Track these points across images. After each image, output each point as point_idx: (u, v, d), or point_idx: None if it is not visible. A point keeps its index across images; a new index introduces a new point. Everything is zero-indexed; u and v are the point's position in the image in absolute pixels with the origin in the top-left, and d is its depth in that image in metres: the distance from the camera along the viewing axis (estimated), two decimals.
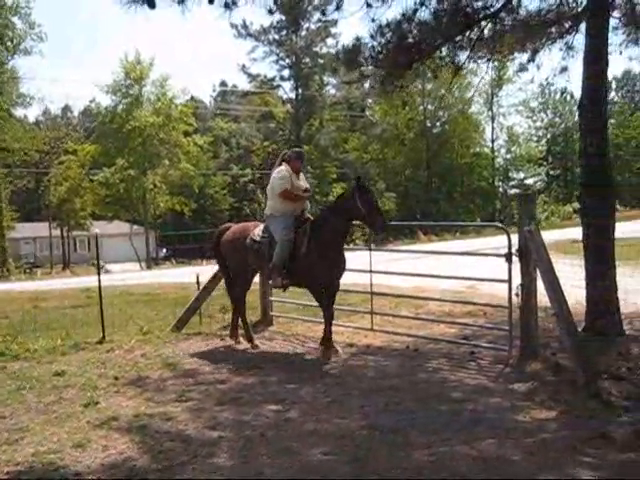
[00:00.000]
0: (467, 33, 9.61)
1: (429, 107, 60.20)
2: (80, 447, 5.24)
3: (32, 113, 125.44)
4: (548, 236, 20.78)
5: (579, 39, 10.08)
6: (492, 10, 9.31)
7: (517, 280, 7.46)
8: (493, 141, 64.85)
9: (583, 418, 5.52)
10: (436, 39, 9.50)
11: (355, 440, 5.22)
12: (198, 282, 11.00)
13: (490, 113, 64.06)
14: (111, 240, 57.76)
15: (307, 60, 56.62)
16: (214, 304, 11.54)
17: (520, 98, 69.26)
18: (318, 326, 9.03)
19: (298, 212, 8.50)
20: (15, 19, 42.24)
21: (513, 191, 63.22)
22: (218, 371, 7.69)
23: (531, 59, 11.44)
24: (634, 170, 68.85)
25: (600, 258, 8.26)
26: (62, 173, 52.13)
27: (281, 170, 8.50)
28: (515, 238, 7.55)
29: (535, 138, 72.50)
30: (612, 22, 10.19)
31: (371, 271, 9.22)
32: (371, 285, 9.40)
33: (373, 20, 9.46)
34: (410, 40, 9.45)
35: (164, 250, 61.55)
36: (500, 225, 9.07)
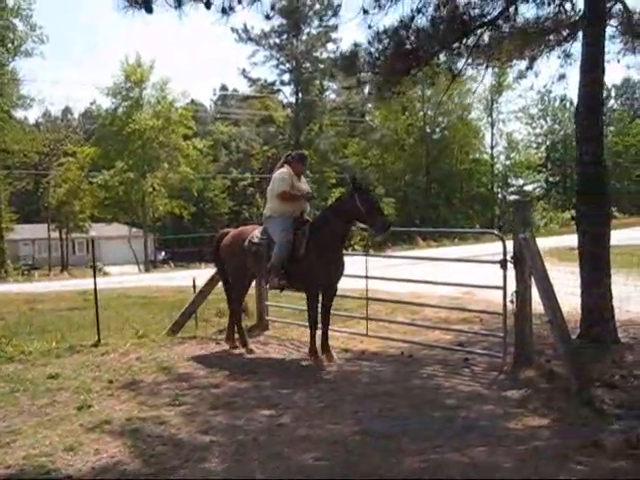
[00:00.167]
0: (464, 40, 9.65)
1: (429, 113, 60.27)
2: (72, 450, 5.23)
3: (32, 115, 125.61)
4: (546, 243, 20.90)
5: (577, 47, 10.12)
6: (489, 18, 9.33)
7: (512, 287, 7.47)
8: (492, 147, 65.02)
9: (575, 426, 5.51)
10: (433, 46, 9.52)
11: (347, 446, 5.22)
12: (194, 286, 11.01)
13: (490, 119, 64.23)
14: (110, 243, 57.95)
15: (307, 65, 56.76)
16: (210, 308, 11.55)
17: (520, 105, 69.47)
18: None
19: (297, 214, 8.47)
20: (16, 21, 42.34)
21: (512, 197, 63.23)
22: (212, 375, 7.69)
23: (529, 66, 11.48)
24: (633, 178, 68.89)
25: (595, 266, 8.27)
26: (61, 175, 52.17)
27: (282, 172, 8.48)
28: (511, 245, 7.56)
29: (534, 145, 72.59)
30: (609, 30, 10.25)
31: (367, 277, 9.23)
32: (367, 291, 9.39)
33: (370, 27, 9.49)
34: (407, 47, 9.47)
35: (163, 253, 61.55)
36: (496, 232, 9.05)
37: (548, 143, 74.21)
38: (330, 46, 54.94)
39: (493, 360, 7.81)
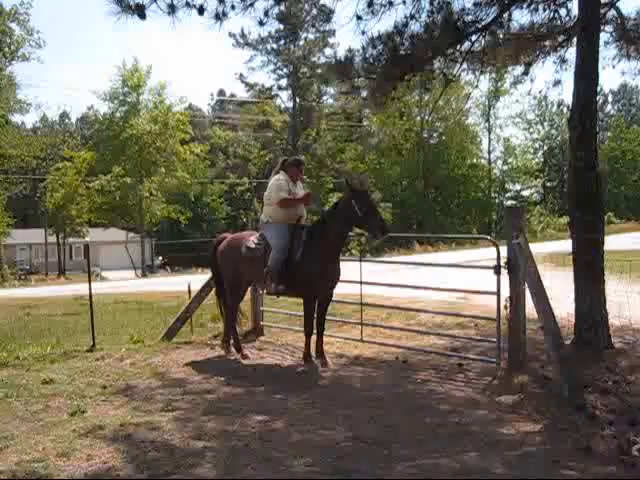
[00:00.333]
0: (458, 46, 9.68)
1: (426, 118, 60.35)
2: (64, 456, 5.23)
3: (30, 119, 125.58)
4: (543, 248, 20.96)
5: (573, 52, 10.11)
6: (483, 24, 9.35)
7: (506, 292, 7.49)
8: (490, 152, 65.08)
9: (567, 431, 5.52)
10: (427, 52, 9.54)
11: (339, 451, 5.22)
12: (190, 291, 11.02)
13: (487, 124, 64.32)
14: (107, 248, 58.01)
15: (305, 70, 56.87)
16: (206, 313, 11.55)
17: (517, 110, 69.61)
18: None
19: (294, 219, 8.46)
20: (13, 25, 42.33)
21: (509, 202, 63.34)
22: (206, 381, 7.69)
23: (525, 72, 11.50)
24: (629, 183, 69.06)
25: (589, 271, 8.27)
26: (58, 180, 52.15)
27: (279, 178, 8.46)
28: (505, 251, 7.57)
29: (532, 150, 72.68)
30: (604, 36, 10.28)
31: (361, 282, 9.25)
32: (361, 296, 9.41)
33: (363, 33, 9.51)
34: (402, 52, 9.49)
35: (160, 258, 61.56)
36: (489, 238, 9.07)
37: (545, 148, 74.37)
38: (328, 51, 55.18)
39: (487, 365, 7.83)
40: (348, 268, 8.95)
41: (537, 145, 74.20)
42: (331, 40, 55.05)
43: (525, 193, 68.65)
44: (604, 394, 6.41)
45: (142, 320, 13.42)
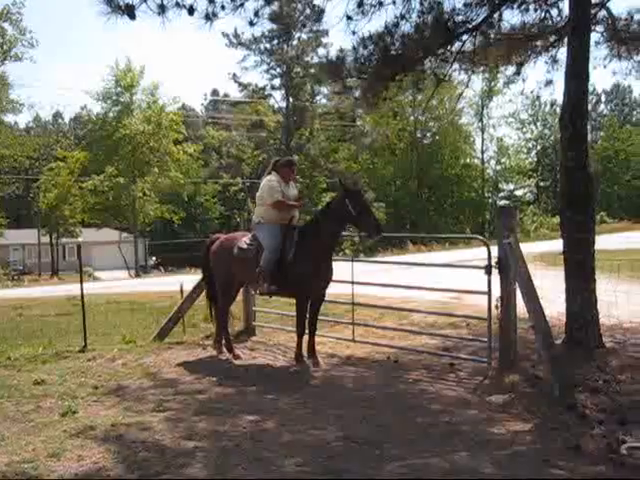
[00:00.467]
0: (449, 46, 9.69)
1: (420, 118, 60.43)
2: (55, 457, 5.22)
3: (23, 119, 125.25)
4: (535, 248, 20.98)
5: (564, 52, 10.15)
6: (473, 24, 9.36)
7: (497, 292, 7.51)
8: (483, 152, 65.23)
9: (558, 430, 5.54)
10: (418, 52, 9.55)
11: (330, 451, 5.23)
12: (182, 291, 11.01)
13: (480, 124, 64.44)
14: (100, 248, 57.85)
15: (298, 69, 56.81)
16: (198, 313, 11.54)
17: (510, 110, 69.73)
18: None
19: (287, 220, 8.46)
20: (6, 25, 42.23)
21: (502, 202, 63.46)
22: (198, 381, 7.70)
23: (517, 72, 11.53)
24: (622, 182, 69.28)
25: (580, 271, 8.29)
26: (51, 180, 52.00)
27: (271, 179, 8.44)
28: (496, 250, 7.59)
29: (525, 150, 72.81)
30: (595, 37, 10.32)
31: (353, 282, 9.26)
32: (352, 296, 9.42)
33: (354, 33, 9.51)
34: (393, 52, 9.50)
35: (153, 258, 61.47)
36: (480, 238, 9.09)
37: (539, 148, 74.50)
38: (321, 51, 55.08)
39: (478, 365, 7.86)
40: (341, 268, 8.96)
41: (530, 145, 74.38)
42: (324, 40, 54.96)
43: (518, 193, 68.90)
44: (594, 393, 6.44)
45: (134, 320, 13.41)
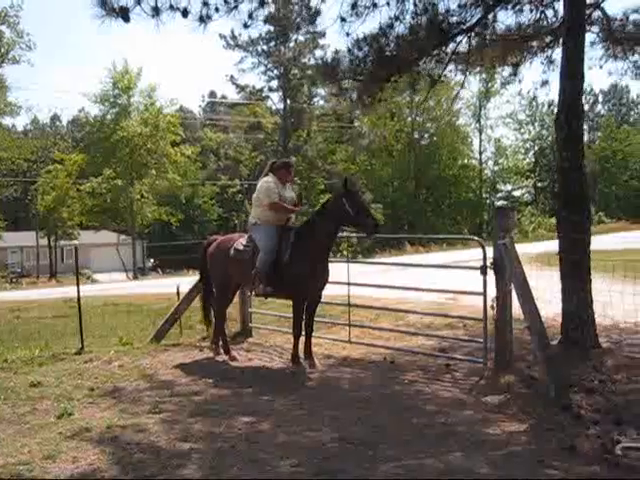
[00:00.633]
0: (444, 47, 9.70)
1: (417, 119, 60.44)
2: (50, 458, 5.23)
3: (20, 122, 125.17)
4: (533, 248, 20.98)
5: (560, 53, 10.17)
6: (468, 25, 9.37)
7: (493, 293, 7.52)
8: (481, 153, 65.20)
9: (553, 431, 5.55)
10: (413, 53, 9.55)
11: (325, 452, 5.23)
12: (178, 293, 11.00)
13: (478, 125, 64.44)
14: (98, 250, 57.79)
15: (295, 71, 56.85)
16: (194, 315, 11.53)
17: (508, 110, 69.74)
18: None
19: (283, 221, 8.46)
20: (3, 28, 42.15)
21: (500, 203, 63.44)
22: (194, 383, 7.70)
23: (513, 73, 11.55)
24: (620, 183, 69.34)
25: (576, 271, 8.30)
26: (49, 182, 51.92)
27: (268, 181, 8.43)
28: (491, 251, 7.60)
29: (523, 150, 72.81)
30: (591, 37, 10.34)
31: (349, 283, 9.26)
32: (348, 297, 9.43)
33: (348, 34, 9.51)
34: (387, 54, 9.50)
35: (151, 260, 61.41)
36: (476, 239, 9.08)
37: (536, 148, 74.51)
38: (318, 52, 55.12)
39: (474, 365, 7.86)
40: (337, 269, 8.96)
41: (528, 145, 74.34)
42: (321, 41, 55.07)
43: (516, 193, 68.95)
44: (590, 393, 6.45)
45: (131, 322, 13.40)
